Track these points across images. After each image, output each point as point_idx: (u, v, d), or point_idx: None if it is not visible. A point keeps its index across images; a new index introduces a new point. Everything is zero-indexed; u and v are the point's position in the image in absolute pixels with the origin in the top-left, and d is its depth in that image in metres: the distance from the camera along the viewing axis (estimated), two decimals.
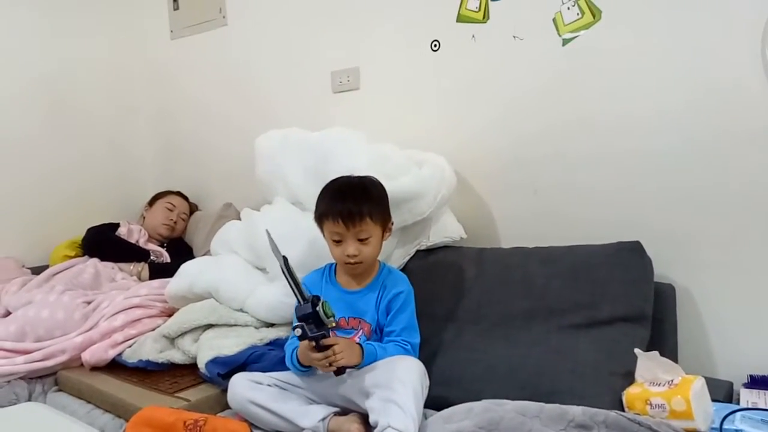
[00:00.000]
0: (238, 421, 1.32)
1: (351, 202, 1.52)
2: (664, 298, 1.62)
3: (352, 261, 1.54)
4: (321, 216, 1.56)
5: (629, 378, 1.44)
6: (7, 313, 2.06)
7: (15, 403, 1.71)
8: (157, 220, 2.68)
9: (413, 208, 1.82)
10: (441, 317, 1.72)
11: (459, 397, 1.48)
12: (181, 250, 2.58)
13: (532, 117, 1.90)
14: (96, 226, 2.55)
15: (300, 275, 1.71)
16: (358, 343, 1.49)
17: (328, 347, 1.40)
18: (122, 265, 2.43)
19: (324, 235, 1.59)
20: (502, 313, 1.65)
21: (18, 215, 2.67)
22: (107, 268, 2.37)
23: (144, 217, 2.74)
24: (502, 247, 1.89)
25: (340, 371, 1.43)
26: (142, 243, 2.59)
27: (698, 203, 1.65)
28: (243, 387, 1.51)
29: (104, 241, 2.48)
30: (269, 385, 1.52)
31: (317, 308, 1.36)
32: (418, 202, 1.82)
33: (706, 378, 1.41)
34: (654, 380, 1.39)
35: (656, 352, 1.40)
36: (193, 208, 2.84)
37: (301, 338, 1.38)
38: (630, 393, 1.38)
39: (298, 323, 1.37)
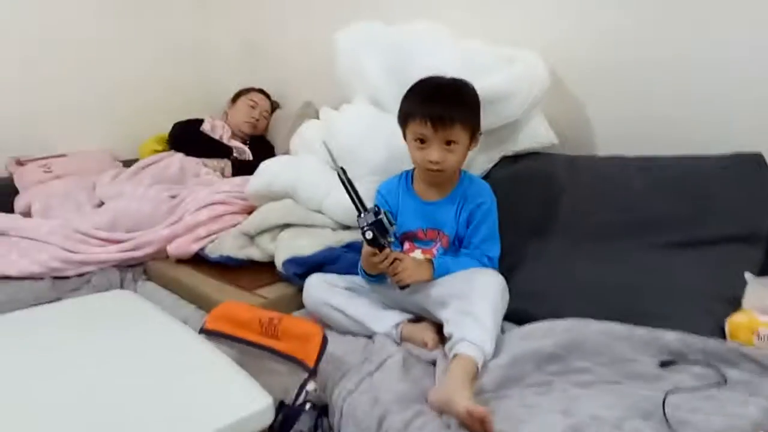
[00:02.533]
0: (312, 322, 1.31)
1: (443, 104, 1.41)
2: None
3: (434, 168, 1.44)
4: (407, 115, 1.46)
5: (735, 305, 1.30)
6: (101, 204, 2.14)
7: (108, 289, 1.80)
8: (240, 117, 2.66)
9: (501, 110, 1.67)
10: (525, 229, 1.61)
11: (539, 313, 1.41)
12: (263, 148, 2.58)
13: (642, 10, 1.66)
14: (182, 122, 2.57)
15: (376, 179, 1.66)
16: (429, 259, 1.42)
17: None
18: (206, 160, 2.46)
19: (406, 138, 1.50)
20: (593, 227, 1.52)
21: (110, 111, 2.76)
22: (192, 163, 2.40)
23: (227, 114, 2.73)
24: (598, 155, 1.73)
25: (404, 285, 1.38)
26: (225, 139, 2.59)
27: None
28: (318, 288, 1.50)
29: (189, 136, 2.50)
30: (344, 288, 1.50)
31: (380, 217, 1.30)
32: (507, 104, 1.68)
33: None
34: (765, 309, 1.24)
35: None
36: (275, 106, 2.80)
37: (370, 243, 1.33)
38: (734, 321, 1.25)
39: (367, 226, 1.31)
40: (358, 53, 1.92)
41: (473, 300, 1.29)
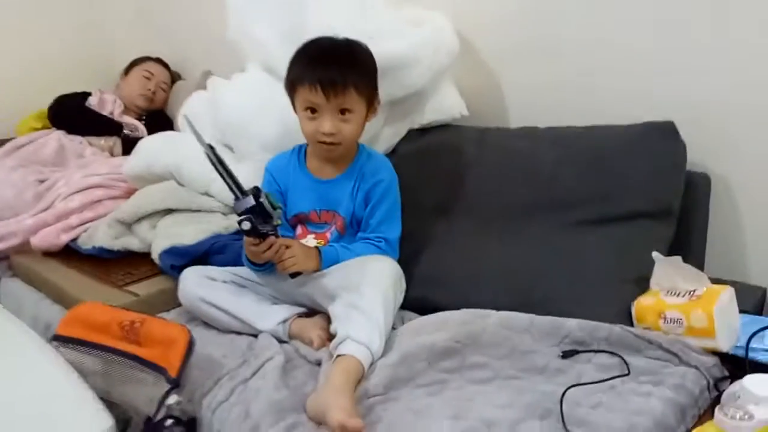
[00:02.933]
0: (176, 325, 1.15)
1: (335, 68, 1.25)
2: (695, 190, 1.36)
3: (327, 140, 1.28)
4: (294, 81, 1.29)
5: (643, 285, 1.21)
6: None
7: None
8: (134, 90, 2.41)
9: (403, 78, 1.52)
10: (430, 208, 1.48)
11: (442, 300, 1.31)
12: (160, 124, 2.33)
13: None
14: (64, 95, 2.31)
15: (269, 157, 1.49)
16: (316, 247, 1.28)
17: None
18: (92, 139, 2.21)
19: (295, 108, 1.33)
20: (500, 206, 1.40)
21: None
22: (74, 142, 2.15)
23: (120, 87, 2.48)
24: (509, 127, 1.61)
25: (295, 274, 1.24)
26: (116, 115, 2.35)
27: (750, 76, 1.32)
28: (194, 283, 1.33)
29: (71, 111, 2.24)
30: (224, 281, 1.33)
31: (260, 200, 1.13)
32: (409, 71, 1.52)
33: (735, 284, 1.19)
34: (672, 290, 1.16)
35: (678, 257, 1.16)
36: (174, 77, 2.56)
37: (249, 234, 1.16)
38: (641, 304, 1.16)
39: (245, 215, 1.14)
40: (248, 13, 1.72)
41: (362, 291, 1.15)
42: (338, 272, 1.25)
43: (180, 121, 1.88)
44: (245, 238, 1.21)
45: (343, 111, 1.27)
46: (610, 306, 1.18)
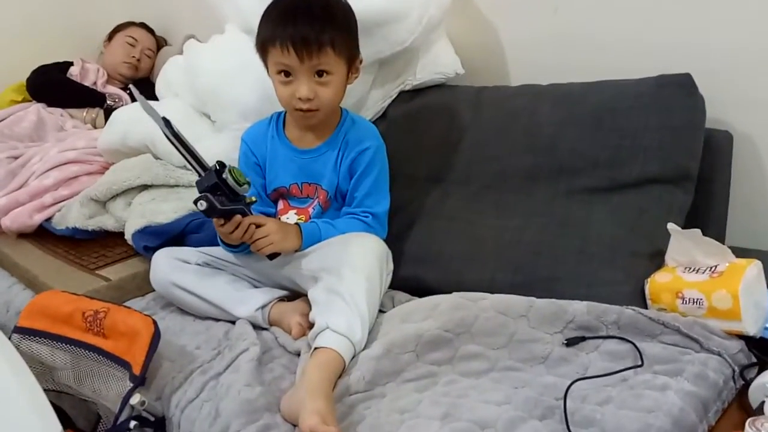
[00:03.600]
0: (142, 315, 1.04)
1: (307, 24, 1.11)
2: (716, 151, 1.22)
3: (304, 107, 1.16)
4: (264, 42, 1.16)
5: (658, 260, 1.09)
6: None
7: None
8: (117, 57, 2.29)
9: (389, 34, 1.38)
10: (422, 177, 1.36)
11: (435, 279, 1.21)
12: (145, 93, 2.17)
13: None
14: (43, 66, 2.19)
15: (247, 126, 1.37)
16: (296, 224, 1.16)
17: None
18: (73, 111, 2.10)
19: (268, 71, 1.20)
20: (498, 173, 1.28)
21: None
22: (54, 115, 2.04)
23: (103, 55, 2.35)
24: (509, 86, 1.47)
25: (272, 255, 1.13)
26: (100, 85, 2.23)
27: None
28: (165, 266, 1.23)
29: (50, 81, 2.12)
30: (198, 264, 1.23)
31: (224, 176, 1.02)
32: (396, 26, 1.38)
33: (760, 253, 1.07)
34: (691, 265, 1.04)
35: (697, 230, 1.03)
36: (160, 43, 2.42)
37: (208, 214, 1.05)
38: (656, 281, 1.04)
39: (201, 195, 1.03)
40: None
41: (343, 274, 1.04)
42: (320, 252, 1.14)
43: (158, 86, 1.77)
44: (213, 220, 1.10)
45: (320, 73, 1.14)
46: (620, 285, 1.06)
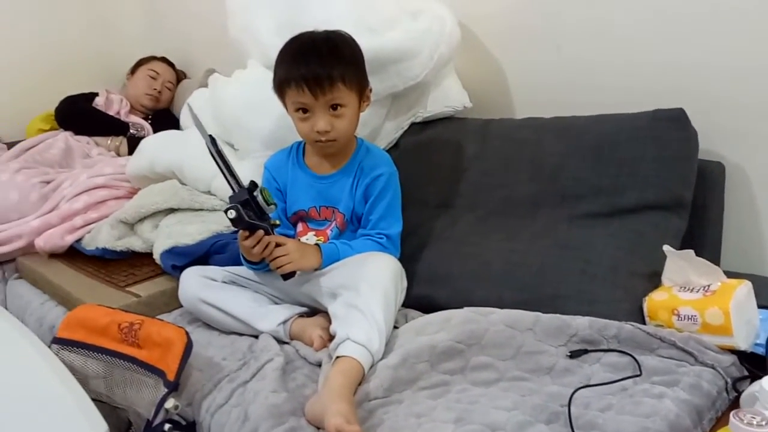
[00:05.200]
0: (175, 327, 1.12)
1: (317, 63, 1.21)
2: (709, 180, 1.31)
3: (323, 139, 1.25)
4: (281, 84, 1.26)
5: (655, 281, 1.17)
6: None
7: None
8: (140, 89, 2.41)
9: (404, 71, 1.49)
10: (432, 203, 1.45)
11: (446, 298, 1.28)
12: (166, 123, 2.32)
13: None
14: (70, 96, 2.30)
15: (270, 153, 1.47)
16: (316, 244, 1.25)
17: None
18: (98, 139, 2.21)
19: (287, 109, 1.30)
20: (505, 199, 1.36)
21: None
22: (81, 142, 2.15)
23: (126, 87, 2.47)
24: (514, 118, 1.57)
25: (288, 275, 1.21)
26: (123, 115, 2.34)
27: (765, 59, 1.27)
28: (194, 284, 1.31)
29: (77, 111, 2.24)
30: (224, 282, 1.31)
31: (255, 194, 1.12)
32: (410, 63, 1.49)
33: (753, 277, 1.14)
34: (686, 285, 1.11)
35: (691, 251, 1.11)
36: (180, 76, 2.55)
37: (235, 223, 1.14)
38: (653, 300, 1.12)
39: (232, 204, 1.12)
40: (249, 10, 1.69)
41: (361, 290, 1.12)
42: (338, 270, 1.22)
43: (182, 117, 1.87)
44: (239, 233, 1.19)
45: (334, 106, 1.23)
46: (619, 303, 1.14)
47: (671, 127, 1.26)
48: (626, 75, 1.43)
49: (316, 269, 1.25)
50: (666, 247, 1.12)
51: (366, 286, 1.13)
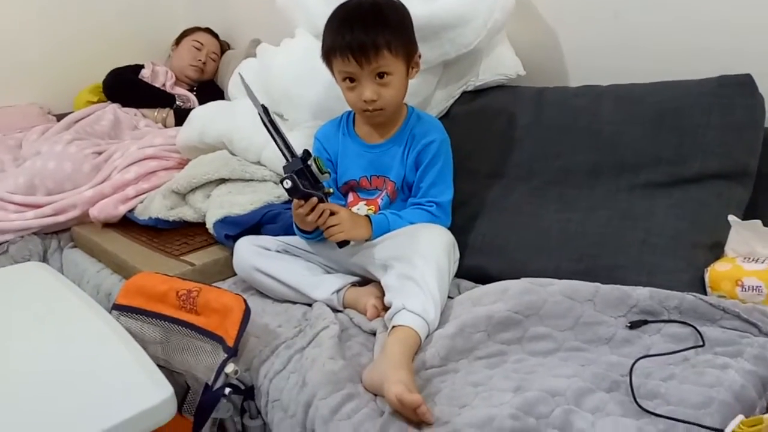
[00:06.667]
0: (233, 294, 1.14)
1: (362, 30, 1.19)
2: None
3: (370, 108, 1.24)
4: (328, 52, 1.25)
5: (717, 251, 1.14)
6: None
7: (28, 260, 1.64)
8: (184, 60, 2.43)
9: (456, 38, 1.46)
10: (485, 173, 1.43)
11: (501, 269, 1.26)
12: (211, 94, 2.34)
13: None
14: (117, 69, 2.34)
15: (320, 123, 1.47)
16: (366, 215, 1.25)
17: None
18: (145, 111, 2.24)
19: (335, 78, 1.29)
20: (560, 169, 1.33)
21: (43, 60, 2.49)
22: (129, 114, 2.18)
23: (171, 58, 2.49)
24: (569, 86, 1.53)
25: (342, 243, 1.21)
26: (168, 87, 2.37)
27: None
28: (248, 252, 1.32)
29: (124, 83, 2.27)
30: (278, 251, 1.32)
31: (308, 162, 1.11)
32: (463, 30, 1.46)
33: None
34: (750, 255, 1.08)
35: (757, 221, 1.07)
36: (224, 47, 2.56)
37: (291, 192, 1.14)
38: (716, 270, 1.09)
39: (288, 174, 1.13)
40: None
41: (415, 262, 1.12)
42: (389, 242, 1.21)
43: (230, 87, 1.87)
44: (293, 202, 1.19)
45: (380, 75, 1.22)
46: (680, 273, 1.11)
47: (738, 94, 1.21)
48: (688, 41, 1.37)
49: (366, 240, 1.25)
50: (731, 217, 1.09)
51: (419, 257, 1.12)
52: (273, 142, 1.18)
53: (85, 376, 0.96)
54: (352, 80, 1.23)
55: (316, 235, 1.27)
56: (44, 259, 1.68)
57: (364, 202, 1.36)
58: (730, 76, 1.22)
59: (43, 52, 2.48)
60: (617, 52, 1.49)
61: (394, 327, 1.04)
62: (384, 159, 1.33)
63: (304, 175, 1.14)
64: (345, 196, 1.39)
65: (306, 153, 1.15)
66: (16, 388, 0.93)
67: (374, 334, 1.13)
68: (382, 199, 1.34)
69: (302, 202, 1.17)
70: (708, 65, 1.29)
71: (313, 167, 1.14)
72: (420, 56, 1.29)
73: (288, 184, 1.13)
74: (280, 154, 1.18)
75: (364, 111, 1.26)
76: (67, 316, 1.15)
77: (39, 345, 1.04)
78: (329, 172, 1.17)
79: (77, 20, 2.55)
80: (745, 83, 1.21)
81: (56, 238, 1.75)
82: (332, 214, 1.20)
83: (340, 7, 1.25)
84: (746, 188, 1.20)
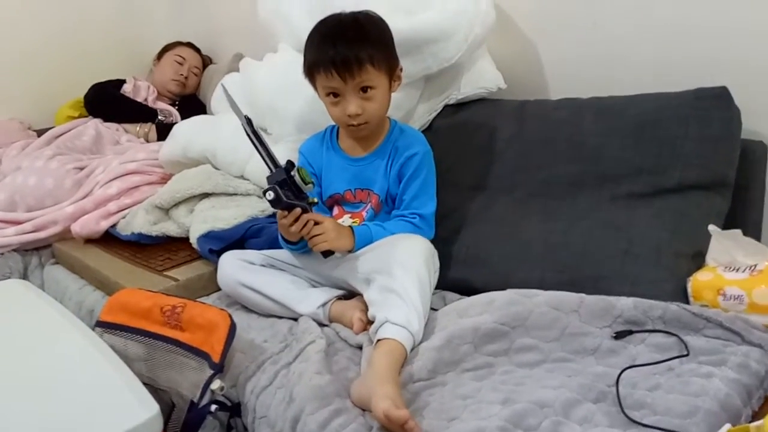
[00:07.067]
0: (218, 309, 1.13)
1: (344, 45, 1.19)
2: (751, 160, 1.28)
3: (355, 122, 1.25)
4: (310, 67, 1.25)
5: (699, 261, 1.15)
6: None
7: (8, 277, 1.61)
8: (166, 75, 2.42)
9: (438, 52, 1.47)
10: (468, 185, 1.44)
11: (485, 281, 1.27)
12: (193, 109, 2.34)
13: None
14: (99, 83, 2.32)
15: (304, 138, 1.47)
16: (350, 227, 1.25)
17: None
18: (127, 126, 2.23)
19: (318, 93, 1.29)
20: (542, 180, 1.35)
21: (23, 75, 2.46)
22: (110, 129, 2.17)
23: (153, 73, 2.48)
24: (549, 99, 1.55)
25: (327, 253, 1.21)
26: (150, 101, 2.36)
27: None
28: (233, 267, 1.32)
29: (106, 98, 2.26)
30: (263, 265, 1.32)
31: (292, 173, 1.12)
32: (444, 44, 1.47)
33: None
34: (731, 265, 1.10)
35: (738, 231, 1.10)
36: (206, 62, 2.56)
37: (274, 204, 1.14)
38: (698, 280, 1.10)
39: (270, 186, 1.12)
40: None
41: (395, 273, 1.11)
42: (370, 255, 1.21)
43: (213, 102, 1.87)
44: (277, 213, 1.19)
45: (364, 89, 1.22)
46: (663, 283, 1.13)
47: (714, 106, 1.23)
48: (665, 53, 1.40)
49: (349, 251, 1.24)
50: (712, 227, 1.11)
51: (399, 269, 1.12)
52: (257, 156, 1.18)
53: (70, 394, 0.95)
54: (335, 95, 1.24)
55: (301, 246, 1.27)
56: (24, 276, 1.66)
57: (349, 215, 1.36)
58: (706, 89, 1.25)
59: (23, 66, 2.45)
60: (596, 62, 1.51)
61: (378, 341, 1.04)
62: (367, 172, 1.34)
63: (287, 186, 1.14)
64: (330, 209, 1.39)
65: (289, 163, 1.15)
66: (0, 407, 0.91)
67: (361, 348, 1.13)
68: (366, 212, 1.35)
69: (286, 213, 1.17)
70: (685, 74, 1.32)
71: (297, 177, 1.14)
72: (402, 69, 1.30)
73: (270, 195, 1.12)
74: (264, 166, 1.18)
75: (348, 125, 1.27)
76: (51, 334, 1.14)
77: (22, 364, 1.03)
78: (313, 183, 1.18)
79: (57, 35, 2.52)
80: (721, 96, 1.24)
81: (37, 254, 1.73)
82: (316, 224, 1.20)
83: (321, 22, 1.26)
84: (725, 198, 1.23)
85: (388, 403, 0.88)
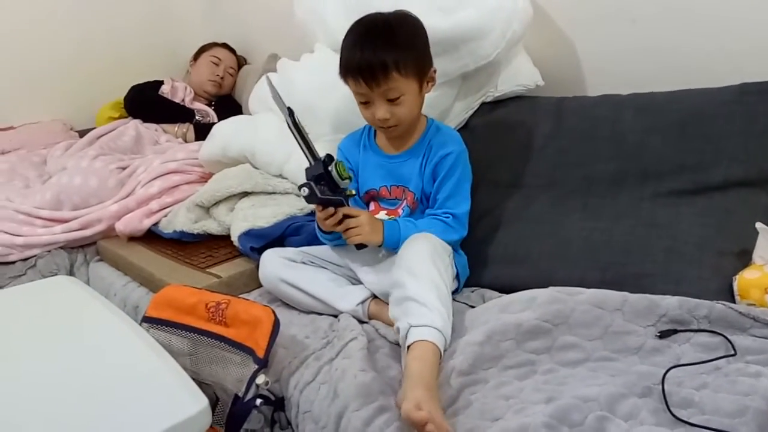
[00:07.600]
0: (261, 306, 1.15)
1: (370, 50, 1.19)
2: None
3: (384, 126, 1.26)
4: (342, 72, 1.26)
5: (745, 259, 1.13)
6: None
7: (55, 274, 1.66)
8: (203, 76, 2.46)
9: (476, 50, 1.47)
10: (506, 183, 1.44)
11: (524, 279, 1.27)
12: (229, 109, 2.38)
13: None
14: (138, 85, 2.38)
15: (340, 137, 1.48)
16: (382, 220, 1.26)
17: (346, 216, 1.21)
18: (166, 126, 2.28)
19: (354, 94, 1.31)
20: (583, 178, 1.34)
21: (65, 78, 2.55)
22: (150, 130, 2.21)
23: (189, 74, 2.52)
24: (588, 96, 1.54)
25: (360, 246, 1.23)
26: (187, 102, 2.40)
27: None
28: (274, 264, 1.34)
29: (145, 100, 2.31)
30: (303, 263, 1.34)
31: (329, 168, 1.13)
32: (481, 42, 1.47)
33: None
34: None
35: None
36: (241, 62, 2.59)
37: (309, 200, 1.16)
38: (744, 278, 1.09)
39: (306, 182, 1.14)
40: None
41: (405, 284, 1.09)
42: (388, 273, 1.20)
43: (251, 102, 1.89)
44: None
45: (391, 99, 1.23)
46: (707, 282, 1.12)
47: (760, 101, 1.21)
48: (707, 47, 1.38)
49: (379, 245, 1.25)
50: (759, 224, 1.09)
51: (408, 277, 1.10)
52: (295, 155, 1.19)
53: (121, 388, 0.97)
54: (364, 100, 1.25)
55: (334, 237, 1.29)
56: (71, 273, 1.70)
57: (385, 212, 1.37)
58: (751, 84, 1.23)
59: (65, 70, 2.53)
60: (635, 58, 1.50)
61: (408, 347, 1.03)
62: (402, 170, 1.34)
63: (324, 180, 1.16)
64: (366, 204, 1.40)
65: (328, 157, 1.17)
66: (53, 402, 0.94)
67: (399, 344, 1.14)
68: (402, 209, 1.35)
69: (320, 207, 1.18)
70: (729, 69, 1.30)
71: (334, 172, 1.16)
72: (435, 71, 1.29)
73: (305, 191, 1.15)
74: (304, 160, 1.19)
75: (379, 127, 1.28)
76: (100, 329, 1.17)
77: (73, 358, 1.05)
78: (350, 177, 1.19)
79: (97, 39, 2.60)
80: (766, 90, 1.21)
81: (82, 252, 1.77)
82: (352, 217, 1.21)
83: (355, 24, 1.27)
84: None
85: (410, 405, 0.88)
